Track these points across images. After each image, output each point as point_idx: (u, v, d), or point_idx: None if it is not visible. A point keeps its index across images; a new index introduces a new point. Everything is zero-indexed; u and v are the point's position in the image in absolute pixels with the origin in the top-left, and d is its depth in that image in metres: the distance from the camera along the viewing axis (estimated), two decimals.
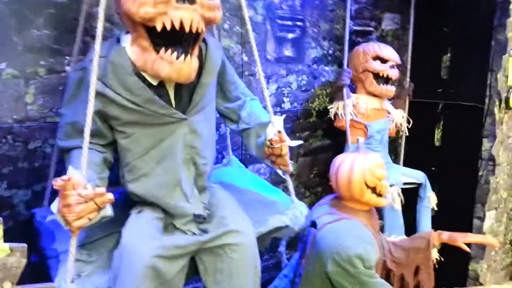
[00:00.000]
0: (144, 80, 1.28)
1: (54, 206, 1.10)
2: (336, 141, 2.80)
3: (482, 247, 2.66)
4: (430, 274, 1.93)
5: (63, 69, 1.73)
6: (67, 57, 1.73)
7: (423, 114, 2.90)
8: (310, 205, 2.69)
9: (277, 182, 2.57)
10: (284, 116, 1.55)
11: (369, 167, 1.81)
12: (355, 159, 1.84)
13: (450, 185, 2.75)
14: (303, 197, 2.75)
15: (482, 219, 2.68)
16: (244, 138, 1.67)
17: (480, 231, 2.69)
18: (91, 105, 1.17)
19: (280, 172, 1.62)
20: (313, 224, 1.76)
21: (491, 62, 2.56)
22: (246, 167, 2.40)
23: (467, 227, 2.77)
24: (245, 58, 2.28)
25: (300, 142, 1.59)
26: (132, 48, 1.26)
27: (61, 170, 1.73)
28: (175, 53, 1.21)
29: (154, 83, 1.30)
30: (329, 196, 2.10)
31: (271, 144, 1.50)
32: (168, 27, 1.17)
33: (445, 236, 1.91)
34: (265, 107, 1.62)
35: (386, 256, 1.96)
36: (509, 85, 2.46)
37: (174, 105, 1.35)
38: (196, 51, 1.29)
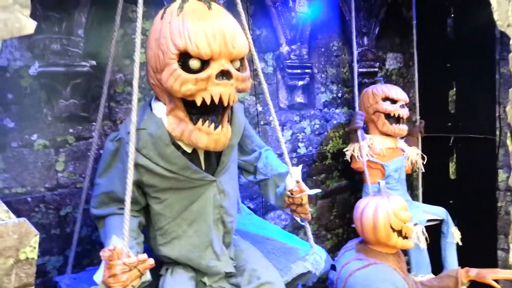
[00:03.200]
0: (178, 148, 1.32)
1: (98, 277, 1.12)
2: (353, 181, 2.83)
3: (511, 281, 2.62)
4: None
5: (90, 135, 1.79)
6: (94, 124, 1.80)
7: (436, 149, 2.94)
8: (333, 247, 2.69)
9: (298, 227, 2.58)
10: (301, 166, 1.60)
11: (393, 210, 1.83)
12: (379, 202, 1.86)
13: (469, 217, 2.74)
14: (325, 240, 2.75)
15: (506, 250, 2.65)
16: (262, 188, 1.70)
17: (506, 262, 2.66)
18: (130, 177, 1.18)
19: (298, 219, 1.64)
20: (333, 267, 1.75)
21: (498, 95, 2.63)
22: (268, 213, 2.42)
23: (492, 260, 2.74)
24: (260, 108, 2.36)
25: (319, 190, 1.62)
26: (168, 119, 1.30)
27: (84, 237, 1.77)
28: (212, 125, 1.25)
29: (189, 150, 1.34)
30: (354, 240, 2.10)
31: (292, 194, 1.53)
32: (208, 102, 1.21)
33: (473, 273, 1.90)
34: (279, 155, 1.65)
35: None
36: None
37: (204, 168, 1.39)
38: (227, 118, 1.34)
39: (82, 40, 1.72)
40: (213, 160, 1.42)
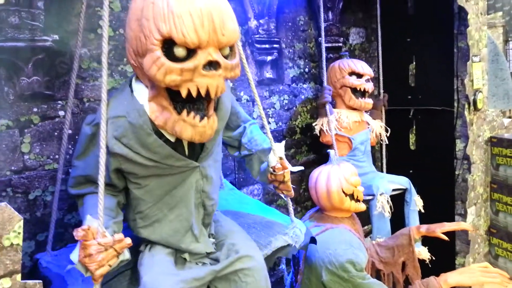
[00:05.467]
0: (161, 136, 1.27)
1: (75, 256, 1.09)
2: (321, 154, 2.89)
3: (466, 242, 2.82)
4: (416, 267, 2.05)
5: (56, 115, 1.70)
6: (59, 102, 1.71)
7: (397, 121, 3.06)
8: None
9: (270, 201, 2.62)
10: (284, 142, 1.56)
11: (344, 175, 1.92)
12: (330, 170, 1.95)
13: (429, 186, 2.89)
14: (294, 213, 2.79)
15: (463, 215, 2.84)
16: (247, 163, 1.68)
17: None
18: (103, 161, 1.14)
19: (283, 196, 1.65)
20: (313, 240, 1.81)
21: (456, 68, 2.75)
22: (241, 189, 2.43)
23: None
24: (231, 84, 2.33)
25: (302, 168, 1.63)
26: (151, 105, 1.24)
27: (62, 217, 1.71)
28: (198, 116, 1.19)
29: (172, 139, 1.30)
30: (310, 211, 2.18)
31: (274, 171, 1.50)
32: (194, 94, 1.14)
33: (424, 229, 2.05)
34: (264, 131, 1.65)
35: (373, 257, 2.05)
36: (475, 88, 2.65)
37: (187, 155, 1.35)
38: (213, 106, 1.28)
39: (42, 13, 1.61)
40: (197, 146, 1.38)
